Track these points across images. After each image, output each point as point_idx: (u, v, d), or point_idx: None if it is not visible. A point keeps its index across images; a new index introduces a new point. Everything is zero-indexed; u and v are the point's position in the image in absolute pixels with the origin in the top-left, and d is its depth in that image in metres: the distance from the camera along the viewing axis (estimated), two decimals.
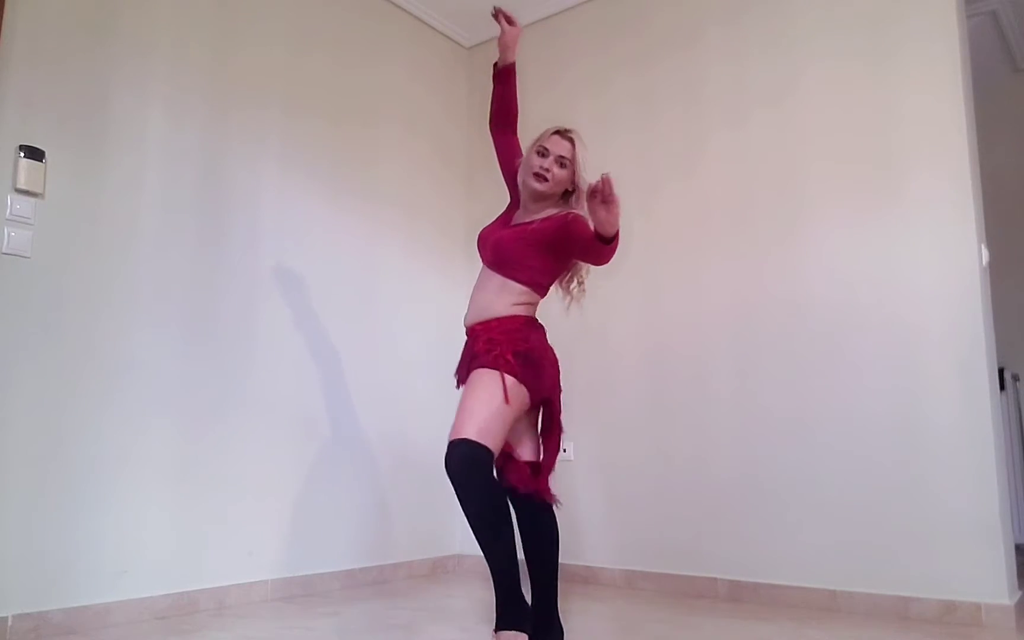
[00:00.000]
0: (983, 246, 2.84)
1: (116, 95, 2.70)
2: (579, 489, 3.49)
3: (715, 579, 3.13)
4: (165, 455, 2.73)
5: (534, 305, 2.20)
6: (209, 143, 2.99)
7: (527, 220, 2.23)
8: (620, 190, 3.47)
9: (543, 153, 2.20)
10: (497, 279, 2.17)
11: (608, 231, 1.87)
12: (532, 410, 2.16)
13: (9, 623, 2.28)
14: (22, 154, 2.42)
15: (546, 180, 2.18)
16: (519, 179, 2.28)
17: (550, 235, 2.12)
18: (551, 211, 2.21)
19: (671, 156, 3.50)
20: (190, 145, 2.92)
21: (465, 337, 2.22)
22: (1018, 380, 4.52)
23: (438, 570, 3.77)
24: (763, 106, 3.26)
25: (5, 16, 2.40)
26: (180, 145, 2.89)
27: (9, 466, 2.34)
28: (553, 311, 2.28)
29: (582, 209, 2.13)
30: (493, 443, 1.99)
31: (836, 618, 2.72)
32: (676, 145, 3.49)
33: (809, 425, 2.99)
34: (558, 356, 2.21)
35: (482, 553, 2.05)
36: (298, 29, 3.40)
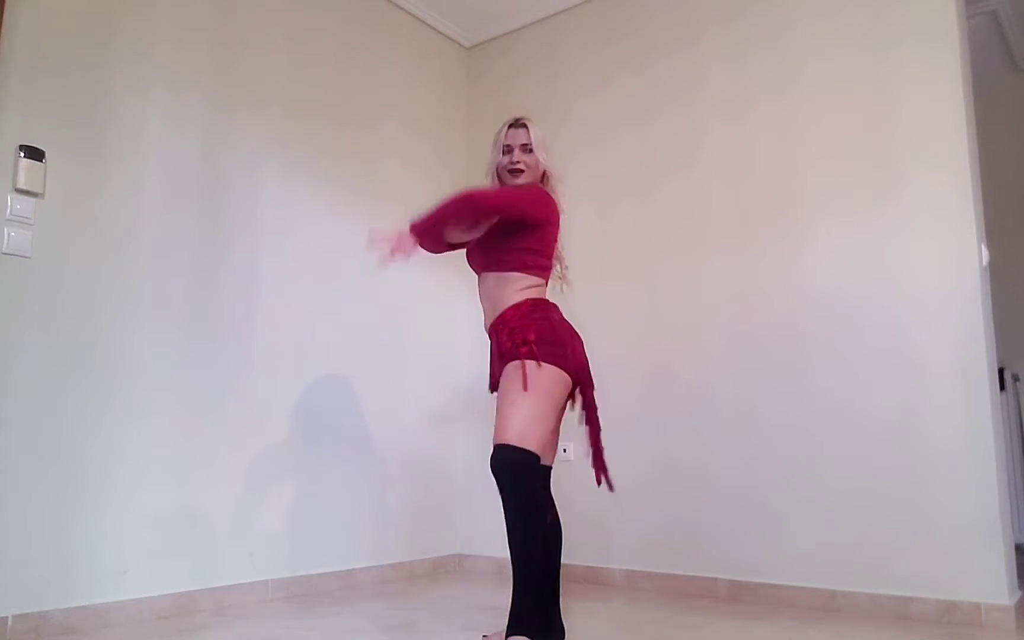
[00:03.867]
0: (983, 246, 2.84)
1: (116, 95, 2.70)
2: (579, 489, 3.49)
3: (715, 579, 3.13)
4: (165, 455, 2.73)
5: (540, 287, 2.24)
6: (209, 143, 2.99)
7: None
8: (619, 188, 3.47)
9: (507, 150, 2.33)
10: (492, 276, 2.24)
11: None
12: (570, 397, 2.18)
13: (9, 623, 2.28)
14: (22, 154, 2.42)
15: (522, 171, 2.30)
16: (499, 183, 2.36)
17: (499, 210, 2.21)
18: None
19: (670, 154, 3.50)
20: (190, 145, 2.92)
21: (488, 335, 2.28)
22: (1018, 380, 4.52)
23: (438, 570, 3.77)
24: (763, 105, 3.26)
25: (5, 16, 2.40)
26: (180, 145, 2.89)
27: (9, 466, 2.34)
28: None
29: (552, 190, 2.31)
30: (537, 442, 2.01)
31: (836, 618, 2.72)
32: (675, 143, 3.49)
33: (809, 424, 2.99)
34: None
35: (515, 558, 2.02)
36: (298, 29, 3.40)
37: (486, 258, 2.26)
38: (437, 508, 3.83)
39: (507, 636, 1.98)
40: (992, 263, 2.99)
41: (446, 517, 3.87)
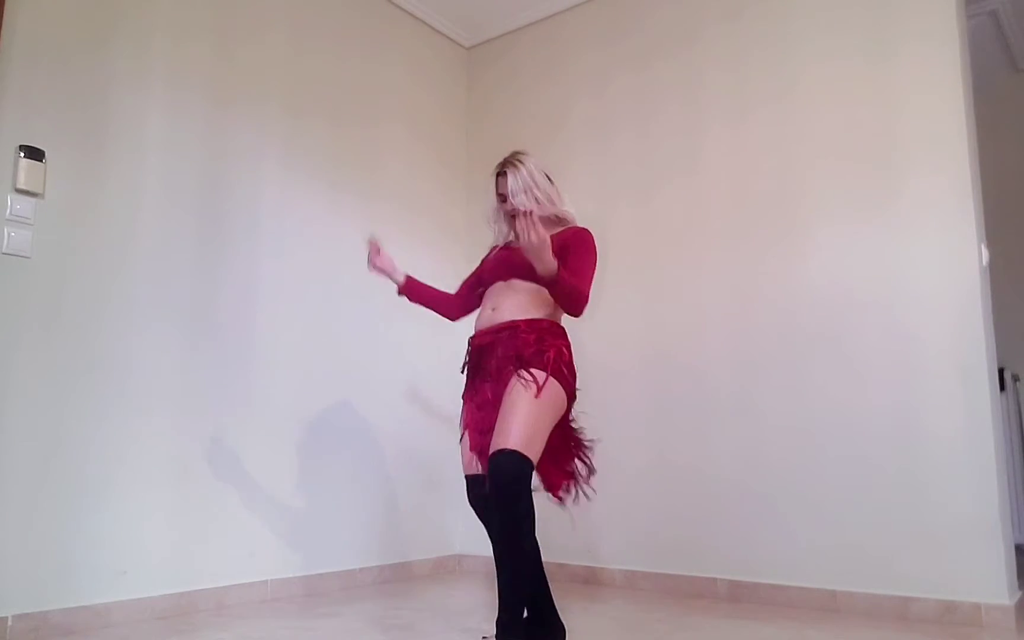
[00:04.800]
0: (983, 246, 2.84)
1: (116, 95, 2.71)
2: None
3: (715, 579, 3.13)
4: (165, 455, 2.73)
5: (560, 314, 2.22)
6: (209, 143, 2.99)
7: None
8: (619, 189, 3.46)
9: (502, 199, 2.29)
10: (525, 287, 2.14)
11: (536, 259, 1.90)
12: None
13: (9, 623, 2.28)
14: (22, 154, 2.42)
15: (515, 217, 2.23)
16: (502, 225, 2.35)
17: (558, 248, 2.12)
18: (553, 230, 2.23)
19: (670, 155, 3.50)
20: (190, 145, 2.92)
21: (481, 340, 2.18)
22: (1018, 380, 4.52)
23: (438, 570, 3.77)
24: (762, 105, 3.26)
25: (5, 16, 2.40)
26: (180, 145, 2.89)
27: (9, 466, 2.34)
28: None
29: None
30: (536, 453, 2.00)
31: (836, 618, 2.72)
32: (675, 144, 3.49)
33: (809, 424, 2.99)
34: None
35: (507, 564, 1.99)
36: (298, 29, 3.40)
37: (523, 270, 2.11)
38: (437, 508, 3.83)
39: None
40: (992, 263, 2.99)
41: (446, 517, 3.87)
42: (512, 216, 2.24)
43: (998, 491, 2.63)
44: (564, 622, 2.20)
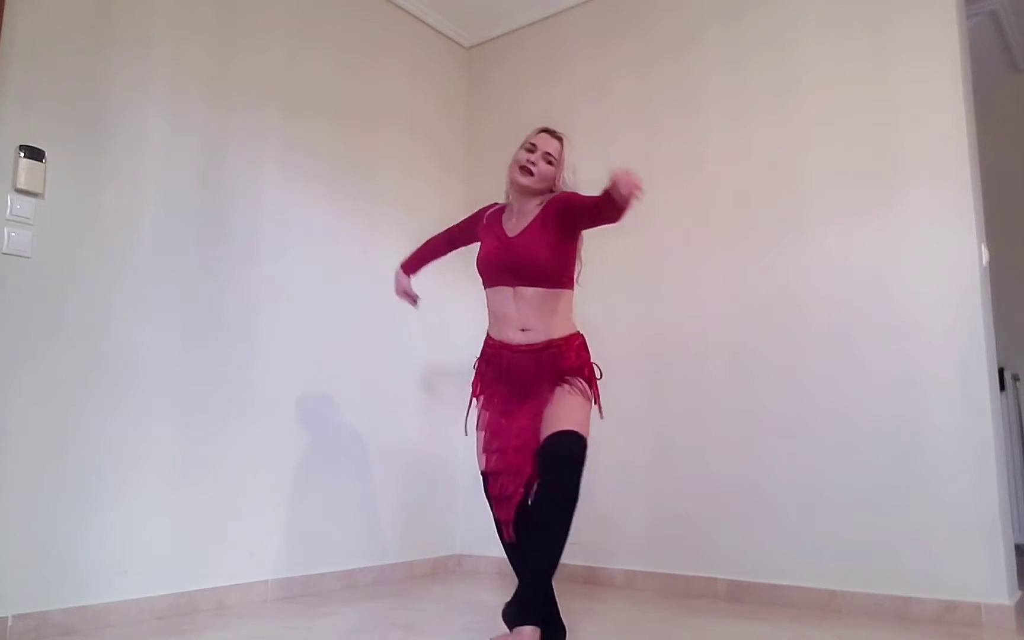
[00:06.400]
0: (983, 246, 2.84)
1: (116, 95, 2.70)
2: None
3: (715, 579, 3.13)
4: (165, 455, 2.73)
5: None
6: (209, 143, 2.99)
7: (526, 223, 2.23)
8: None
9: (531, 149, 2.25)
10: (534, 293, 2.17)
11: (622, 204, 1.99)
12: None
13: (9, 623, 2.28)
14: (22, 154, 2.42)
15: (531, 173, 2.22)
16: (508, 178, 2.31)
17: (557, 219, 2.16)
18: (538, 206, 2.25)
19: (671, 158, 3.50)
20: (190, 145, 2.92)
21: (515, 356, 2.20)
22: (1018, 380, 4.52)
23: (438, 570, 3.77)
24: (763, 108, 3.26)
25: (5, 16, 2.40)
26: (180, 145, 2.89)
27: (9, 466, 2.34)
28: None
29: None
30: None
31: (836, 618, 2.72)
32: (676, 147, 3.49)
33: (809, 424, 2.99)
34: None
35: (544, 544, 2.03)
36: (298, 29, 3.40)
37: (527, 269, 2.16)
38: (437, 508, 3.83)
39: (516, 624, 1.98)
40: (992, 263, 2.99)
41: (446, 517, 3.87)
42: (524, 169, 2.21)
43: (998, 491, 2.63)
44: (565, 622, 2.20)
